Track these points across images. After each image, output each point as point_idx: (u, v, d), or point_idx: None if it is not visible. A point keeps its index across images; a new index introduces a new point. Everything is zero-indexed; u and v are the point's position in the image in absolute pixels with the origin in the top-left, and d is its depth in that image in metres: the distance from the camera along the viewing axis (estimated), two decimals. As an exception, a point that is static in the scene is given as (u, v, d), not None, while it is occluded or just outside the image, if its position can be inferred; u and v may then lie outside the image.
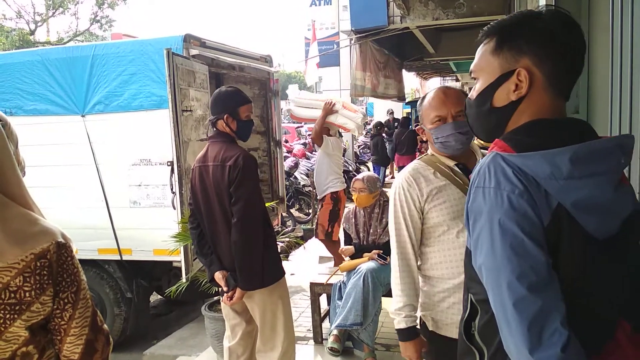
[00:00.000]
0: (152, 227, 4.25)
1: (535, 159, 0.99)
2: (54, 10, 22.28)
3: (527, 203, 0.96)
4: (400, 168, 11.42)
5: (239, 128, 2.86)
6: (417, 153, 11.02)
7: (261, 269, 2.80)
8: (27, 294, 1.11)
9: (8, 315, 1.09)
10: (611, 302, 1.03)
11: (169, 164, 3.99)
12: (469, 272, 1.14)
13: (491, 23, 1.17)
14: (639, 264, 1.10)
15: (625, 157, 1.04)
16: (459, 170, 1.95)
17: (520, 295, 0.92)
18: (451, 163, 1.97)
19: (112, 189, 4.36)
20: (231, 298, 2.81)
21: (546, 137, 1.06)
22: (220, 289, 2.94)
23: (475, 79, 1.19)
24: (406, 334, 1.97)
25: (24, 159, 1.41)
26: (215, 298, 3.99)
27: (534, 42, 1.09)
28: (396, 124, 12.75)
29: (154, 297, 5.64)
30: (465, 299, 1.17)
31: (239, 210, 2.71)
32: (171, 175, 3.97)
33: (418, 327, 2.01)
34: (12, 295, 1.09)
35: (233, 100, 2.85)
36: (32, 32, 21.51)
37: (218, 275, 2.84)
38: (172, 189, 4.02)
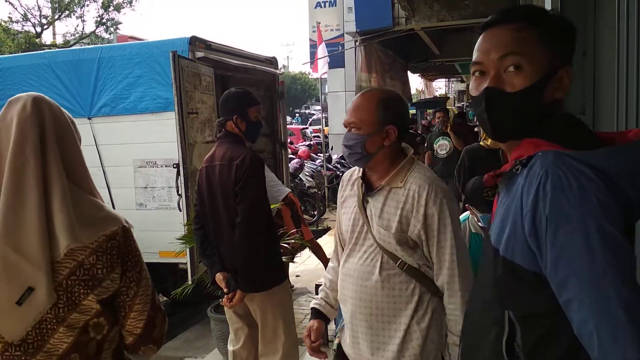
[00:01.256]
0: (158, 229, 4.27)
1: (607, 155, 0.94)
2: (60, 13, 22.40)
3: (614, 201, 0.89)
4: None
5: (248, 129, 2.86)
6: (416, 155, 11.00)
7: (263, 271, 2.78)
8: (99, 271, 1.24)
9: (82, 290, 1.22)
10: None
11: (174, 166, 4.00)
12: (508, 286, 1.04)
13: (510, 7, 1.11)
14: None
15: None
16: (362, 183, 1.92)
17: (631, 301, 0.84)
18: (359, 174, 1.96)
19: (118, 191, 4.39)
20: (231, 300, 2.80)
21: (584, 133, 1.06)
22: (221, 291, 2.92)
23: (515, 66, 1.06)
24: (311, 312, 2.21)
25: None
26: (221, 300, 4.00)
27: (571, 43, 1.08)
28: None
29: (160, 299, 5.66)
30: (498, 317, 1.06)
31: (244, 210, 2.70)
32: (177, 178, 3.98)
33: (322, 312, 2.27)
34: (86, 272, 1.22)
35: (243, 101, 2.86)
36: (39, 35, 21.63)
37: (219, 277, 2.82)
38: (178, 191, 4.03)
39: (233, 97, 2.88)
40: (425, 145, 7.30)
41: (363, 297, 1.89)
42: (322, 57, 10.11)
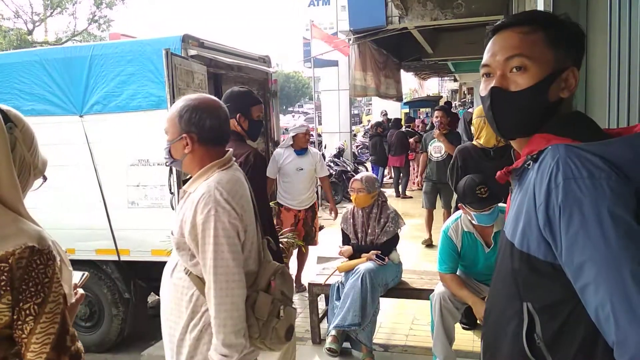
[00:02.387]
0: (150, 227, 4.25)
1: (616, 145, 0.98)
2: (52, 10, 22.25)
3: (625, 189, 0.93)
4: (392, 168, 11.43)
5: (250, 127, 2.90)
6: (413, 154, 11.04)
7: None
8: None
9: None
10: None
11: (167, 164, 3.98)
12: (525, 278, 1.07)
13: (514, 13, 1.18)
14: None
15: None
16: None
17: None
18: None
19: (110, 190, 4.35)
20: None
21: (593, 128, 1.10)
22: None
23: (519, 67, 1.11)
24: None
25: (44, 161, 1.40)
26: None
27: (579, 45, 1.14)
28: (390, 124, 12.80)
29: (152, 298, 5.64)
30: (517, 309, 1.09)
31: None
32: (169, 176, 3.96)
33: None
34: None
35: (246, 100, 2.89)
36: (30, 32, 21.46)
37: None
38: (170, 190, 4.01)
39: (236, 95, 2.90)
40: (422, 146, 6.99)
41: (163, 295, 2.01)
42: (328, 52, 10.21)
